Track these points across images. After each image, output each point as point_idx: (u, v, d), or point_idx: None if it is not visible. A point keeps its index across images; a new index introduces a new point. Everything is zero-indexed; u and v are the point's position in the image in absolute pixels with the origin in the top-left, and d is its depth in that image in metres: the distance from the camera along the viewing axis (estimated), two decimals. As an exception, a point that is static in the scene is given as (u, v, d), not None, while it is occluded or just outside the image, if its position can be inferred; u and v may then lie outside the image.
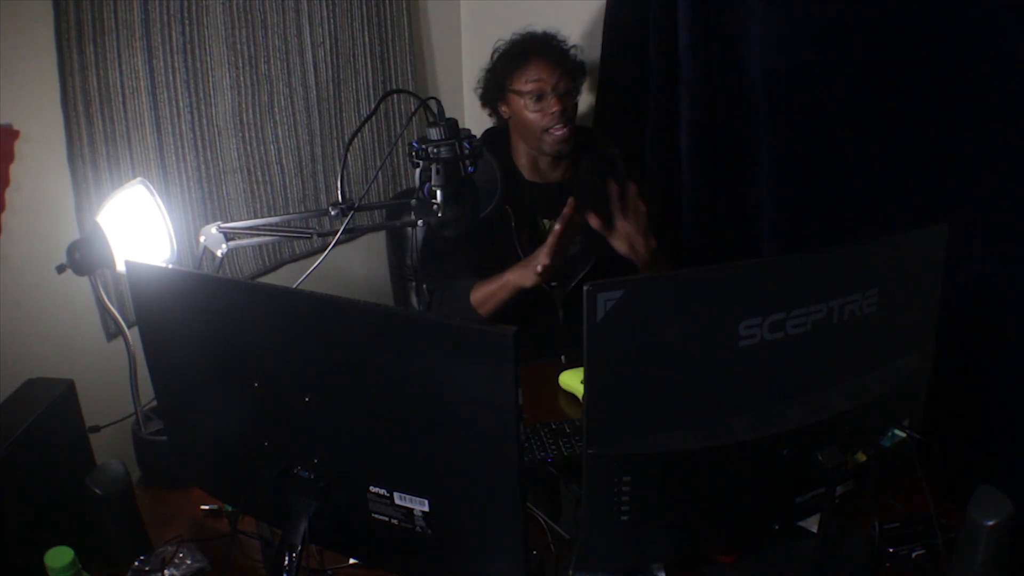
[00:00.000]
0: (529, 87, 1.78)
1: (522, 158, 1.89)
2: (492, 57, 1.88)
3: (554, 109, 1.77)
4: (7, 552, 1.09)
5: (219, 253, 1.26)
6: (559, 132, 1.79)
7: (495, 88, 1.86)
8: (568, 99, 1.80)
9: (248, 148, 2.01)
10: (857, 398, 1.02)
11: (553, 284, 1.84)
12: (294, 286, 1.08)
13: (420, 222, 1.28)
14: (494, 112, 1.91)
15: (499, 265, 1.75)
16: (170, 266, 1.31)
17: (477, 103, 1.93)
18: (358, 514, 0.98)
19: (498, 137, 1.91)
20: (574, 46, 1.87)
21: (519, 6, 2.34)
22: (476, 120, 2.01)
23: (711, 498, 1.01)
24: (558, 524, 1.22)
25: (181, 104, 1.82)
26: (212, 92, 1.89)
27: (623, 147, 1.91)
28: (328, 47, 2.14)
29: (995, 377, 1.50)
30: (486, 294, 1.73)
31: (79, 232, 1.59)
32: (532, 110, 1.79)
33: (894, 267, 1.04)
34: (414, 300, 2.10)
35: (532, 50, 1.81)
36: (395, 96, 2.29)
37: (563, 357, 1.72)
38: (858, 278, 0.99)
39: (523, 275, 1.67)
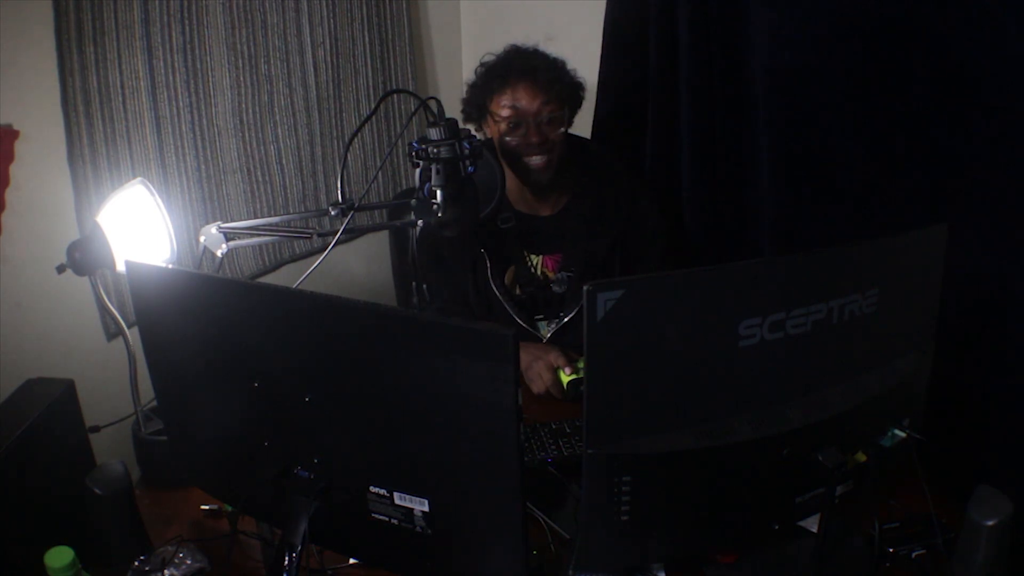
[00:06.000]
0: (505, 113, 1.64)
1: (509, 182, 1.73)
2: (476, 71, 1.73)
3: (532, 140, 1.64)
4: (7, 552, 1.09)
5: (219, 253, 1.26)
6: (536, 161, 1.66)
7: (475, 108, 1.73)
8: (551, 128, 1.65)
9: (248, 148, 2.01)
10: (857, 398, 1.02)
11: (539, 317, 1.79)
12: (294, 286, 1.08)
13: (420, 222, 1.28)
14: (479, 130, 1.78)
15: (481, 301, 1.73)
16: (170, 266, 1.31)
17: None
18: (358, 514, 0.98)
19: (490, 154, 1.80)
20: (572, 69, 1.72)
21: (519, 6, 2.35)
22: (476, 120, 2.01)
23: (711, 498, 1.01)
24: (558, 524, 1.22)
25: (181, 104, 1.82)
26: (212, 92, 1.89)
27: (623, 150, 1.86)
28: (328, 47, 2.14)
29: (995, 377, 1.50)
30: None
31: (79, 232, 1.59)
32: (510, 135, 1.66)
33: (894, 267, 1.04)
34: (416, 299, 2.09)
35: (512, 71, 1.65)
36: (395, 96, 2.30)
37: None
38: (858, 278, 0.99)
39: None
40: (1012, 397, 1.47)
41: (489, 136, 1.75)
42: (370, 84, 2.28)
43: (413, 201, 1.27)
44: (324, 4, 2.10)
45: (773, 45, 1.70)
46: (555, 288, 1.76)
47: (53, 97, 1.57)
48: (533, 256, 1.79)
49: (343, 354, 0.93)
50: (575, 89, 1.73)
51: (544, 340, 1.75)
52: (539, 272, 1.79)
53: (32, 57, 1.52)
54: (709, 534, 1.06)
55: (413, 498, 0.93)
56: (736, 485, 1.01)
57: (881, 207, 1.66)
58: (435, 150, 1.23)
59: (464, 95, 1.76)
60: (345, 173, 1.30)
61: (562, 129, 1.69)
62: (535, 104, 1.64)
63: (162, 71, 1.76)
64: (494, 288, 1.73)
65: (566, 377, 1.57)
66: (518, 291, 1.77)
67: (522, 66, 1.66)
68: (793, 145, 1.75)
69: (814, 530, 1.12)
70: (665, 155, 1.99)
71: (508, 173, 1.74)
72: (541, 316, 1.78)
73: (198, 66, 1.84)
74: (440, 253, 1.74)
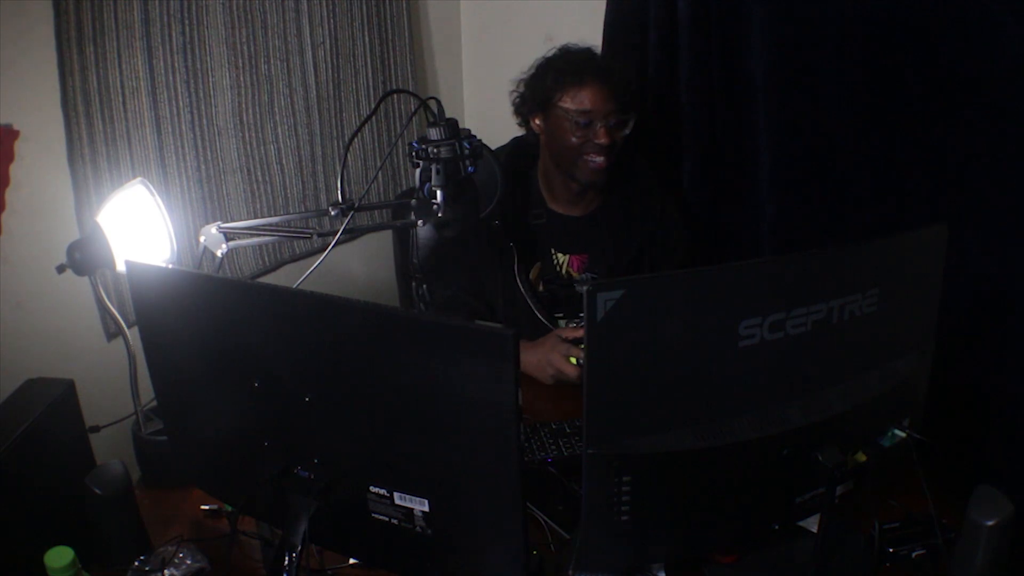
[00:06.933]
0: (578, 112, 1.64)
1: (546, 180, 1.79)
2: (537, 65, 1.73)
3: (600, 140, 1.65)
4: (7, 552, 1.09)
5: (219, 253, 1.26)
6: (597, 160, 1.67)
7: (535, 100, 1.71)
8: (617, 132, 1.67)
9: (248, 148, 2.01)
10: (857, 398, 1.02)
11: (559, 315, 1.79)
12: (294, 286, 1.08)
13: (420, 222, 1.28)
14: (524, 123, 1.77)
15: (504, 294, 1.73)
16: (170, 266, 1.31)
17: (477, 103, 1.92)
18: (358, 514, 0.98)
19: (527, 150, 1.79)
20: (631, 78, 1.74)
21: (519, 6, 2.35)
22: (476, 120, 2.01)
23: (711, 498, 1.01)
24: (558, 524, 1.22)
25: (181, 104, 1.82)
26: (212, 92, 1.89)
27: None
28: (328, 47, 2.14)
29: (995, 377, 1.50)
30: None
31: (79, 232, 1.59)
32: (574, 133, 1.66)
33: (894, 267, 1.04)
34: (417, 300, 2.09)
35: (590, 72, 1.66)
36: (395, 96, 2.29)
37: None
38: (858, 278, 0.99)
39: (539, 371, 1.65)
40: (1012, 397, 1.47)
41: (539, 132, 1.75)
42: (370, 84, 2.28)
43: (413, 201, 1.27)
44: (324, 4, 2.10)
45: (773, 45, 1.70)
46: (578, 288, 1.77)
47: (53, 97, 1.56)
48: (560, 255, 1.80)
49: (343, 354, 0.93)
50: (638, 102, 1.74)
51: None
52: (564, 271, 1.81)
53: (32, 57, 1.52)
54: (709, 534, 1.06)
55: (413, 498, 0.93)
56: (736, 485, 1.01)
57: (881, 207, 1.66)
58: (435, 150, 1.23)
59: (517, 87, 1.75)
60: (345, 173, 1.30)
61: (626, 133, 1.70)
62: (609, 105, 1.65)
63: (162, 71, 1.76)
64: (519, 283, 1.74)
65: (574, 360, 1.60)
66: (541, 288, 1.79)
67: (600, 66, 1.68)
68: (793, 145, 1.75)
69: (814, 530, 1.12)
70: (665, 155, 1.99)
71: (545, 170, 1.78)
72: (561, 314, 1.79)
73: (198, 66, 1.84)
74: (462, 245, 1.73)
